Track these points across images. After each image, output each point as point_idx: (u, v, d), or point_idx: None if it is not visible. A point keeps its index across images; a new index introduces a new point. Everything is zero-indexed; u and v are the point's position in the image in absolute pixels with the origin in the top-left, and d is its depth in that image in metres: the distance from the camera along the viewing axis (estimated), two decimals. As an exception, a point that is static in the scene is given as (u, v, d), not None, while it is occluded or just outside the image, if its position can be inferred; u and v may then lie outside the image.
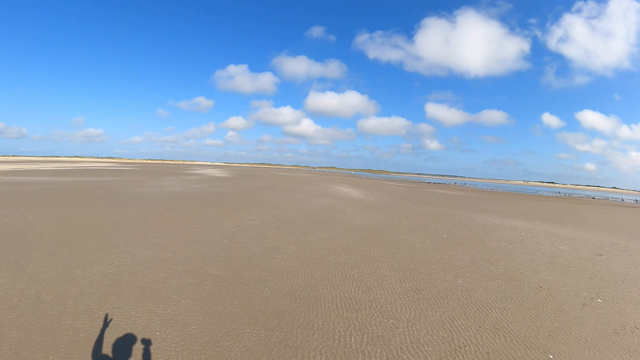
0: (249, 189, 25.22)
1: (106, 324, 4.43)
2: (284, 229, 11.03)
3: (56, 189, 19.04)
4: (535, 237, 12.31)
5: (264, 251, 8.25)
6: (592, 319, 5.66)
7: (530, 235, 12.64)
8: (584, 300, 6.46)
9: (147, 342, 4.08)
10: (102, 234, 8.96)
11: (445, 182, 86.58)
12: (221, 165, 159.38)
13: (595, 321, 5.57)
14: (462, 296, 6.36)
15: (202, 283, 6.04)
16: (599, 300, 6.53)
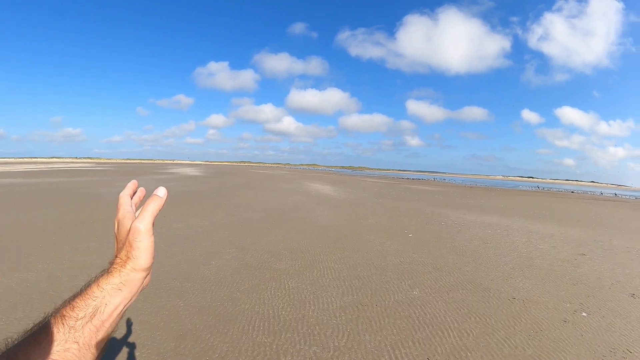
0: (219, 188, 24.28)
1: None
2: (235, 230, 10.06)
3: (20, 191, 18.19)
4: (512, 235, 11.37)
5: (199, 256, 7.38)
6: (575, 341, 4.59)
7: (507, 233, 11.70)
8: (565, 315, 5.41)
9: None
10: (45, 238, 8.38)
11: (424, 178, 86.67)
12: (200, 164, 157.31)
13: (579, 344, 4.50)
14: (414, 313, 5.22)
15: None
16: (584, 314, 5.50)
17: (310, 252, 8.07)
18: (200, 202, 16.10)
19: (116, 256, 0.67)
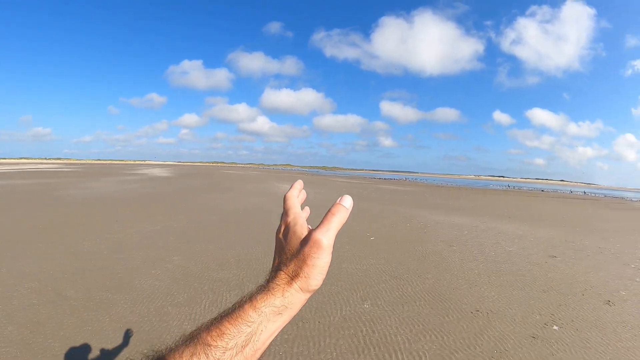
0: (183, 189, 23.56)
1: None
2: (186, 235, 9.44)
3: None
4: (480, 237, 10.84)
5: (140, 265, 6.88)
6: (546, 363, 3.89)
7: (474, 235, 11.17)
8: (534, 329, 4.77)
9: None
10: None
11: (396, 178, 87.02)
12: (171, 165, 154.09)
13: (551, 368, 3.79)
14: (362, 331, 4.49)
15: (41, 306, 4.97)
16: (555, 327, 4.87)
17: (260, 260, 7.46)
18: (159, 204, 15.38)
19: (279, 269, 0.58)
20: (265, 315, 0.53)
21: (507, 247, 9.55)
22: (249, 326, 0.51)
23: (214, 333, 0.50)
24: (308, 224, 0.68)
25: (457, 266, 7.64)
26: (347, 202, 0.64)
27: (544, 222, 15.19)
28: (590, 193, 61.43)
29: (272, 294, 0.55)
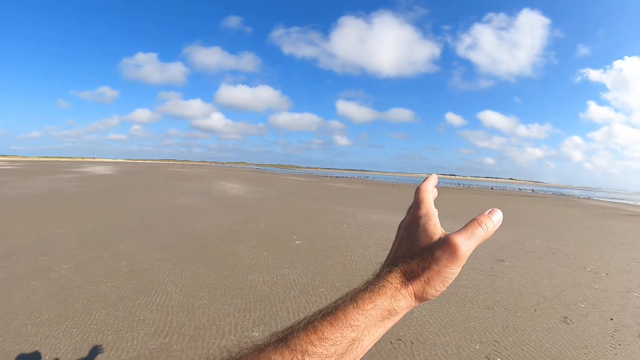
0: (116, 189, 21.43)
1: None
2: (89, 240, 8.31)
3: None
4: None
5: (24, 274, 6.02)
6: None
7: None
8: (472, 368, 3.47)
9: None
10: None
11: (349, 176, 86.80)
12: (119, 162, 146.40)
13: None
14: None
15: None
16: (500, 362, 3.60)
17: (154, 270, 6.40)
18: (80, 205, 13.95)
19: (395, 265, 0.51)
20: (372, 319, 0.45)
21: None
22: (354, 331, 0.44)
23: (313, 337, 0.43)
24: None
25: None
26: (497, 216, 0.54)
27: (493, 220, 14.46)
28: (539, 191, 63.64)
29: (383, 293, 0.47)
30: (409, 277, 0.49)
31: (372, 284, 0.48)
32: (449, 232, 0.52)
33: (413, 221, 0.56)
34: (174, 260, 6.99)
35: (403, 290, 0.48)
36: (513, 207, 22.39)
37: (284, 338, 0.43)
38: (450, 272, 0.49)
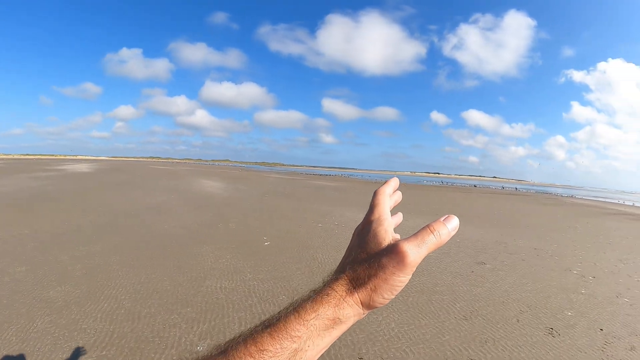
0: (90, 187, 20.27)
1: None
2: (51, 242, 7.76)
3: None
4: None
5: None
6: None
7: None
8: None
9: None
10: None
11: (333, 174, 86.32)
12: (101, 160, 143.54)
13: None
14: None
15: None
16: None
17: (109, 274, 5.93)
18: (51, 203, 13.27)
19: (342, 272, 0.50)
20: (315, 329, 0.44)
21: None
22: (294, 342, 0.43)
23: (252, 349, 0.42)
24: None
25: (357, 281, 5.81)
26: (452, 223, 0.53)
27: (474, 220, 14.07)
28: (522, 189, 64.05)
29: (326, 302, 0.46)
30: (355, 285, 0.47)
31: (317, 293, 0.47)
32: (400, 238, 0.50)
33: (365, 226, 0.55)
34: (132, 263, 6.50)
35: (348, 299, 0.46)
36: (496, 205, 22.12)
37: (225, 350, 0.42)
38: (398, 280, 0.47)
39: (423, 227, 0.51)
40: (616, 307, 5.35)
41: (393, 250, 0.48)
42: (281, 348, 0.42)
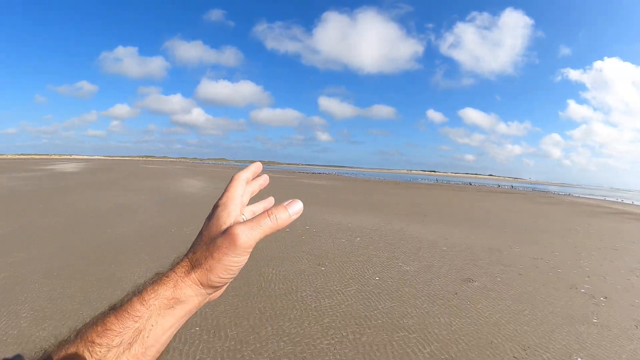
0: (66, 187, 18.88)
1: None
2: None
3: None
4: (372, 247, 8.00)
5: None
6: None
7: (367, 243, 8.29)
8: None
9: None
10: None
11: (327, 172, 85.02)
12: (93, 159, 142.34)
13: None
14: None
15: None
16: None
17: (27, 285, 5.05)
18: (17, 204, 12.25)
19: (186, 255, 0.52)
20: (155, 309, 0.46)
21: (403, 266, 6.64)
22: (136, 321, 0.45)
23: (99, 329, 0.44)
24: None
25: (300, 309, 4.50)
26: (294, 207, 0.54)
27: (466, 221, 12.75)
28: (518, 187, 62.93)
29: (164, 284, 0.48)
30: (194, 266, 0.48)
31: (160, 275, 0.49)
32: (241, 222, 0.50)
33: (213, 211, 0.55)
34: (58, 273, 5.59)
35: (186, 279, 0.48)
36: (490, 205, 20.82)
37: (79, 331, 0.44)
38: (231, 261, 0.48)
39: (263, 213, 0.51)
40: (637, 344, 4.05)
41: (226, 232, 0.48)
42: (124, 327, 0.43)
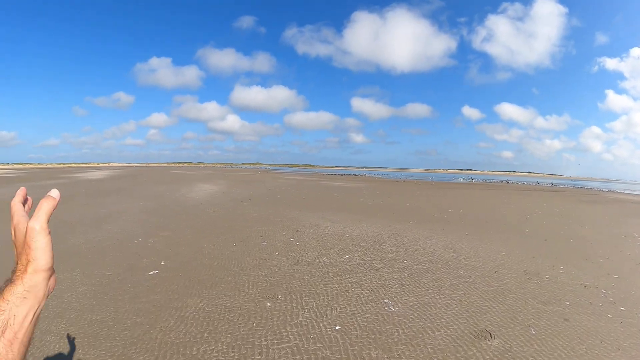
0: (72, 194, 17.93)
1: None
2: None
3: None
4: (369, 269, 6.22)
5: None
6: None
7: (364, 261, 6.51)
8: None
9: None
10: None
11: (358, 174, 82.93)
12: (126, 166, 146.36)
13: None
14: None
15: None
16: None
17: None
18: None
19: (17, 263, 0.67)
20: (13, 303, 0.60)
21: (389, 304, 4.61)
22: (2, 314, 0.59)
23: None
24: None
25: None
26: (54, 193, 0.71)
27: (498, 229, 10.50)
28: (558, 184, 58.68)
29: (15, 284, 0.62)
30: (25, 264, 0.63)
31: (10, 280, 0.63)
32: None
33: (15, 229, 0.67)
34: None
35: (26, 274, 0.62)
36: (529, 206, 18.20)
37: None
38: (41, 243, 0.63)
39: (38, 205, 0.66)
40: None
41: (27, 230, 0.63)
42: None
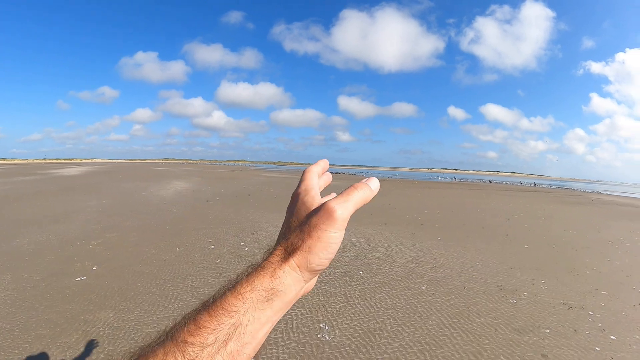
0: (34, 191, 17.18)
1: None
2: None
3: None
4: (328, 277, 4.85)
5: None
6: None
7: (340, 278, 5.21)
8: None
9: None
10: None
11: (341, 172, 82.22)
12: (109, 162, 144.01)
13: None
14: None
15: None
16: None
17: None
18: None
19: (277, 244, 0.48)
20: (252, 303, 0.42)
21: (325, 333, 3.66)
22: (232, 317, 0.41)
23: (190, 327, 0.40)
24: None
25: None
26: (374, 183, 0.53)
27: (475, 233, 9.65)
28: (541, 185, 58.61)
29: (260, 276, 0.43)
30: (290, 251, 0.45)
31: (253, 267, 0.45)
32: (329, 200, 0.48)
33: (294, 200, 0.53)
34: None
35: (284, 266, 0.44)
36: (510, 207, 17.45)
37: (169, 332, 0.41)
38: (331, 237, 0.45)
39: (347, 187, 0.50)
40: None
41: (321, 209, 0.46)
42: (219, 324, 0.40)
